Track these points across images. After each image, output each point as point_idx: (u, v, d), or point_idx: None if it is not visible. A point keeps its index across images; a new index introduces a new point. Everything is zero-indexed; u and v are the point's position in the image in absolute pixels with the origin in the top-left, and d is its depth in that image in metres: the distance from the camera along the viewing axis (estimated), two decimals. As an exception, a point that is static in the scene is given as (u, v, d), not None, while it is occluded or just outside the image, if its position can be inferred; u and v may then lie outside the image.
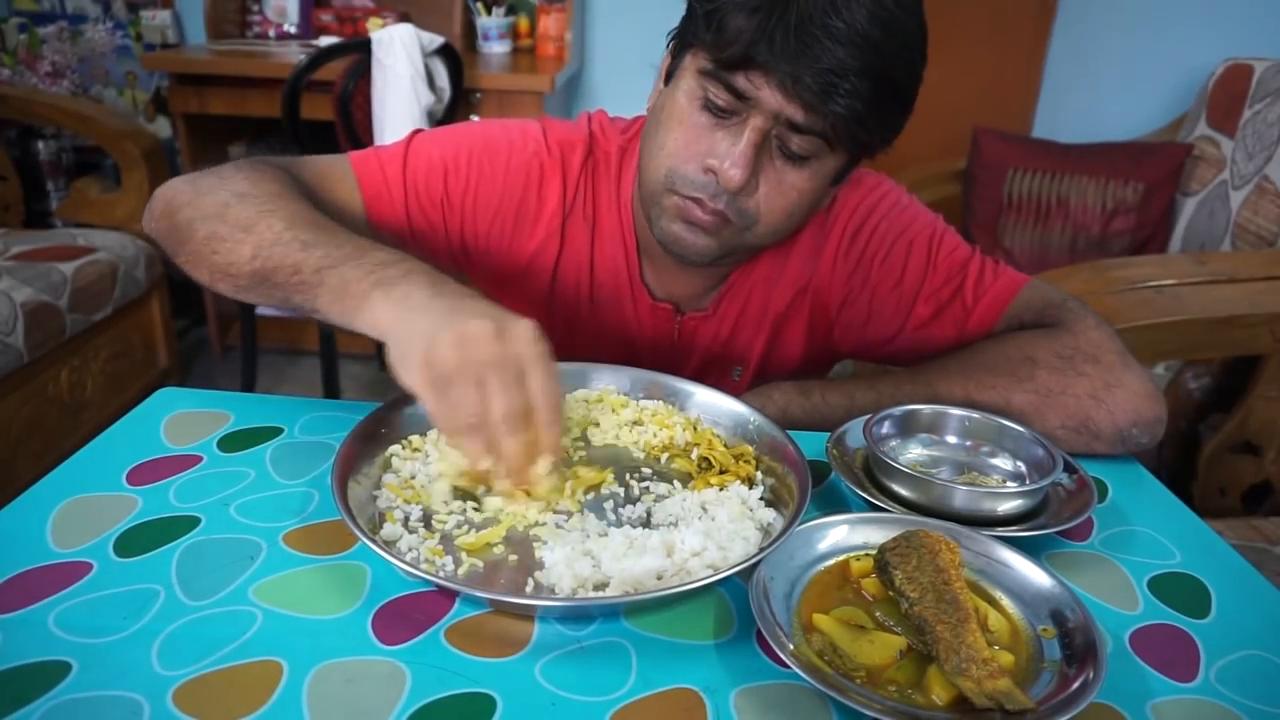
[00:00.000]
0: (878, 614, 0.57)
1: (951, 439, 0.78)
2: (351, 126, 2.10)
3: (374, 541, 0.58)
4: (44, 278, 1.90)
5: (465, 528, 0.64)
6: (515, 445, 0.59)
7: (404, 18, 2.52)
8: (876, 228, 0.93)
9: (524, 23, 2.76)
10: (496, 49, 2.68)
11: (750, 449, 0.74)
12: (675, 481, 0.71)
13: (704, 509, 0.66)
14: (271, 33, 2.73)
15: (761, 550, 0.59)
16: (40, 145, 2.57)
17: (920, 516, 0.66)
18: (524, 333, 0.60)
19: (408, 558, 0.60)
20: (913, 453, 0.78)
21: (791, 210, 0.81)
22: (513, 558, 0.62)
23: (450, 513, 0.65)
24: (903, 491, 0.70)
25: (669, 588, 0.56)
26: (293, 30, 2.72)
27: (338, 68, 2.07)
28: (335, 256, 0.68)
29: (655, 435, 0.76)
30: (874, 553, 0.60)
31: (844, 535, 0.63)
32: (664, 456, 0.75)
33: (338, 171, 0.88)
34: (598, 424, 0.78)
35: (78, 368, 2.04)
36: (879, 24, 0.70)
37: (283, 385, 2.66)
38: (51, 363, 1.94)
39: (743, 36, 0.71)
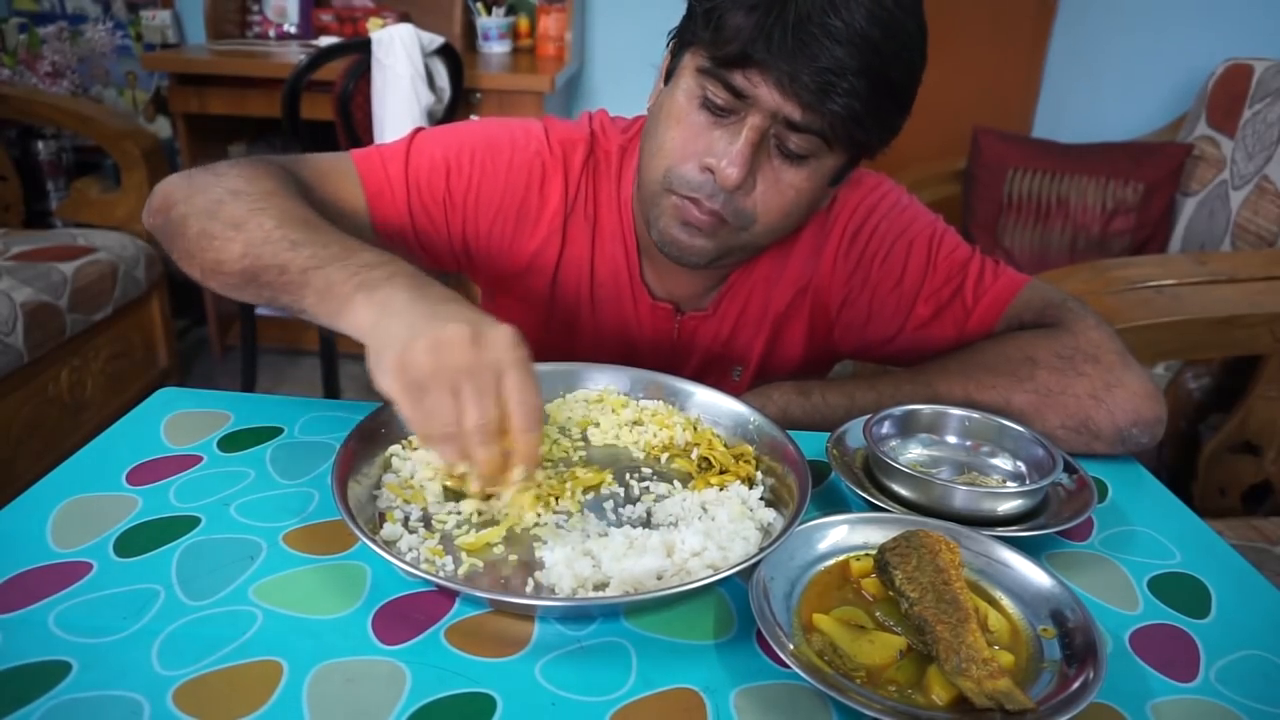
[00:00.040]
0: (878, 614, 0.57)
1: (951, 439, 0.78)
2: (351, 126, 2.10)
3: (374, 541, 0.58)
4: (44, 278, 1.90)
5: (465, 528, 0.64)
6: (487, 455, 0.58)
7: (404, 18, 2.52)
8: (877, 228, 0.93)
9: (524, 23, 2.75)
10: (496, 49, 2.68)
11: (750, 449, 0.74)
12: (675, 481, 0.71)
13: (704, 509, 0.66)
14: (271, 33, 2.73)
15: (761, 550, 0.59)
16: (40, 145, 2.57)
17: (920, 516, 0.66)
18: (501, 338, 0.59)
19: (408, 558, 0.60)
20: (913, 453, 0.78)
21: (789, 210, 0.81)
22: (513, 558, 0.62)
23: (450, 513, 0.65)
24: (903, 491, 0.70)
25: (669, 588, 0.56)
26: (293, 30, 2.72)
27: (338, 68, 2.07)
28: (322, 257, 0.67)
29: (655, 435, 0.76)
30: (874, 553, 0.60)
31: (844, 535, 0.63)
32: (664, 456, 0.75)
33: (340, 170, 0.88)
34: (598, 424, 0.78)
35: (78, 368, 2.04)
36: (878, 23, 0.70)
37: (283, 385, 2.66)
38: (51, 363, 1.94)
39: (741, 34, 0.71)
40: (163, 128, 2.93)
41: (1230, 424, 1.50)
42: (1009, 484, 0.74)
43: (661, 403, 0.81)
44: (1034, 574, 0.59)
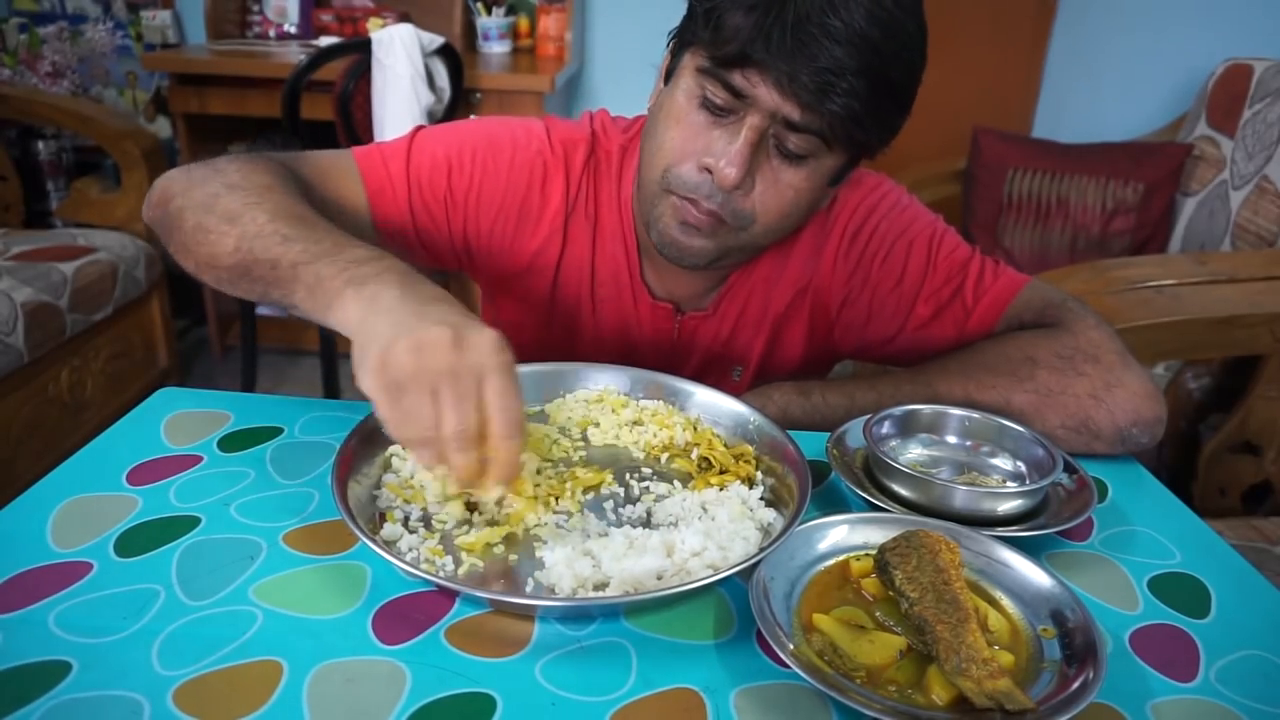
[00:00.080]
0: (878, 614, 0.57)
1: (951, 439, 0.78)
2: (351, 126, 2.10)
3: (374, 541, 0.58)
4: (44, 278, 1.90)
5: (465, 528, 0.64)
6: (464, 461, 0.57)
7: (404, 18, 2.52)
8: (877, 228, 0.93)
9: (524, 23, 2.75)
10: (496, 49, 2.68)
11: (750, 449, 0.74)
12: (675, 481, 0.71)
13: (704, 509, 0.66)
14: (271, 33, 2.73)
15: (761, 550, 0.59)
16: (40, 145, 2.57)
17: (920, 516, 0.66)
18: (484, 342, 0.57)
19: (408, 558, 0.60)
20: (913, 453, 0.78)
21: (788, 210, 0.81)
22: (513, 558, 0.62)
23: (450, 512, 0.65)
24: (903, 491, 0.70)
25: (669, 588, 0.56)
26: (293, 30, 2.72)
27: (338, 68, 2.07)
28: (313, 252, 0.67)
29: (655, 435, 0.76)
30: (874, 553, 0.60)
31: (844, 535, 0.63)
32: (664, 456, 0.75)
33: (341, 167, 0.88)
34: (598, 424, 0.78)
35: (78, 368, 2.04)
36: (877, 23, 0.70)
37: (283, 385, 2.66)
38: (52, 363, 1.94)
39: (740, 34, 0.71)
40: (163, 128, 2.93)
41: (1230, 424, 1.50)
42: (1009, 484, 0.74)
43: (661, 403, 0.81)
44: (1034, 574, 0.59)
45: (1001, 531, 0.65)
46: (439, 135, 0.91)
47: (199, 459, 0.72)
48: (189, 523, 0.64)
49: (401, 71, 2.09)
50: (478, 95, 2.41)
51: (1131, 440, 0.81)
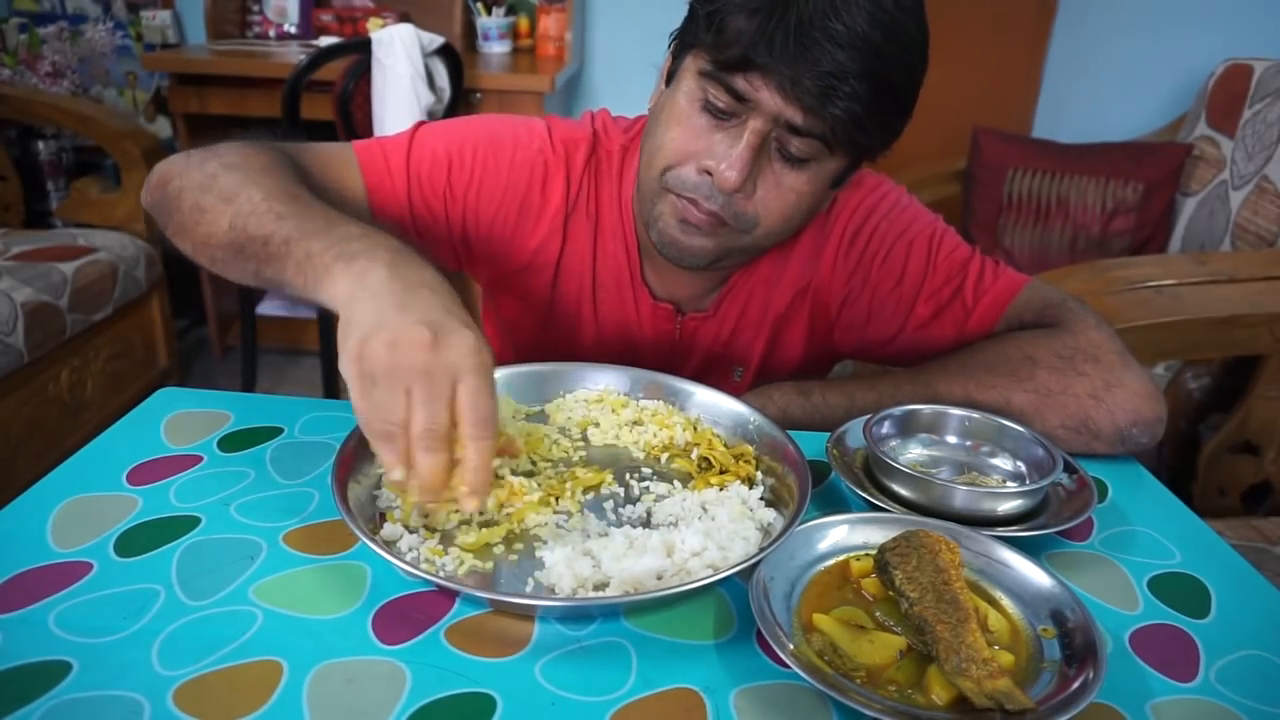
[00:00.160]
0: (878, 614, 0.57)
1: (951, 439, 0.78)
2: (351, 126, 2.10)
3: (374, 541, 0.58)
4: (44, 278, 1.90)
5: (465, 528, 0.64)
6: (430, 463, 0.56)
7: (404, 18, 2.52)
8: (876, 228, 0.93)
9: (524, 23, 2.75)
10: (496, 49, 2.68)
11: (750, 449, 0.74)
12: (675, 481, 0.71)
13: (704, 509, 0.66)
14: (271, 33, 2.73)
15: (761, 550, 0.59)
16: (40, 145, 2.57)
17: (920, 516, 0.66)
18: (462, 342, 0.57)
19: (408, 558, 0.60)
20: (913, 453, 0.78)
21: (790, 213, 0.81)
22: (512, 558, 0.62)
23: (450, 512, 0.65)
24: (903, 491, 0.70)
25: (669, 588, 0.56)
26: (293, 30, 2.72)
27: (338, 68, 2.07)
28: (304, 229, 0.67)
29: (655, 435, 0.76)
30: (874, 553, 0.60)
31: (844, 535, 0.63)
32: (664, 456, 0.75)
33: (341, 158, 0.88)
34: (598, 424, 0.78)
35: (78, 368, 2.04)
36: (879, 26, 0.70)
37: (283, 385, 2.66)
38: (51, 363, 1.94)
39: (743, 38, 0.71)
40: (163, 128, 2.93)
41: (1230, 424, 1.50)
42: (1009, 484, 0.74)
43: (661, 403, 0.81)
44: (1034, 574, 0.59)
45: (1001, 531, 0.65)
46: (441, 131, 0.92)
47: (199, 459, 0.72)
48: (189, 523, 0.64)
49: (401, 71, 2.09)
50: (478, 95, 2.41)
51: (1131, 440, 0.81)
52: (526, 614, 0.57)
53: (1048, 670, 0.53)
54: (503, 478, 0.66)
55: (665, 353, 0.98)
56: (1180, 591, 0.64)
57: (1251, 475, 1.51)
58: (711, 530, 0.63)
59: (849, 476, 0.72)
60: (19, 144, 2.57)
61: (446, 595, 0.58)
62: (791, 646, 0.51)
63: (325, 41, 2.55)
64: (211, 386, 2.02)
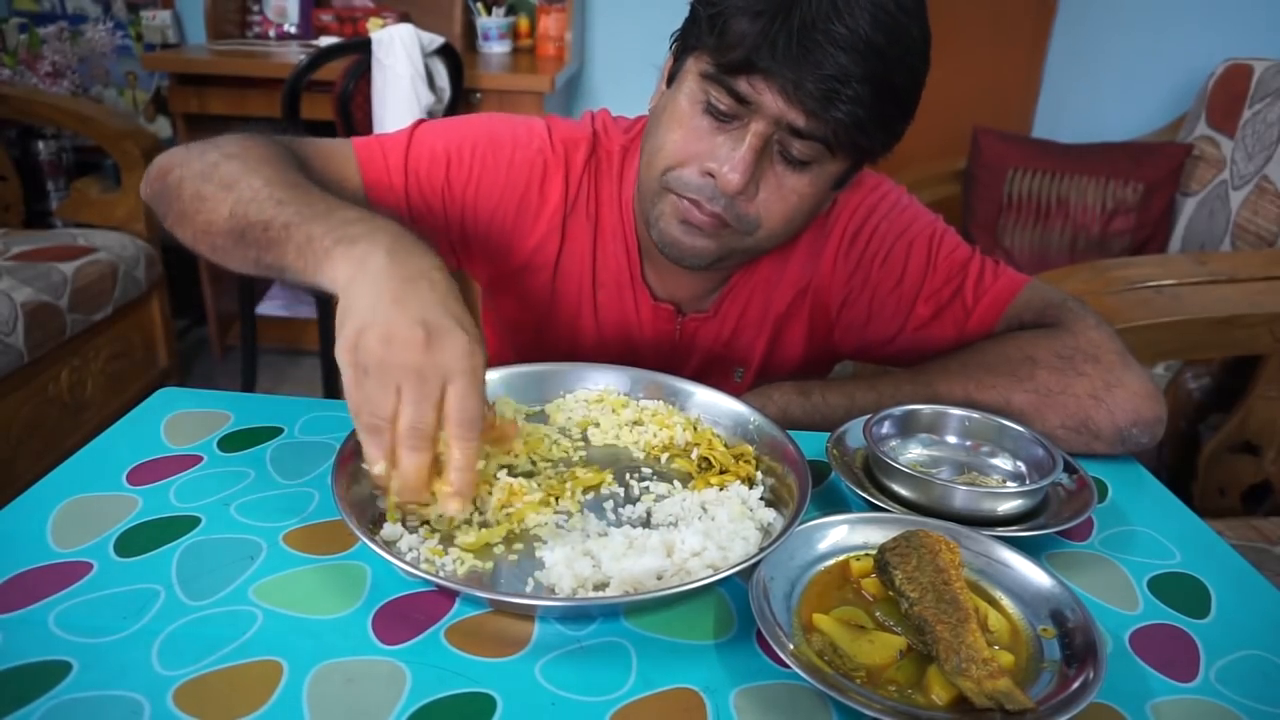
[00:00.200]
0: (878, 614, 0.57)
1: (951, 439, 0.78)
2: (351, 126, 2.10)
3: (374, 541, 0.58)
4: (44, 278, 1.90)
5: (465, 528, 0.64)
6: (413, 461, 0.57)
7: (404, 18, 2.52)
8: (876, 228, 0.93)
9: (524, 23, 2.75)
10: (496, 49, 2.68)
11: (750, 449, 0.74)
12: (675, 481, 0.71)
13: (704, 509, 0.66)
14: (271, 33, 2.73)
15: (761, 550, 0.59)
16: (40, 145, 2.57)
17: (920, 516, 0.66)
18: (456, 345, 0.57)
19: (408, 558, 0.60)
20: (913, 453, 0.78)
21: (792, 215, 0.81)
22: (512, 558, 0.62)
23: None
24: (903, 491, 0.70)
25: (669, 588, 0.56)
26: (293, 30, 2.72)
27: (338, 68, 2.07)
28: (305, 214, 0.67)
29: (655, 435, 0.76)
30: (874, 553, 0.60)
31: (844, 535, 0.63)
32: (664, 456, 0.75)
33: (341, 154, 0.89)
34: (598, 424, 0.78)
35: (78, 368, 2.04)
36: (882, 29, 0.70)
37: (283, 385, 2.66)
38: (52, 363, 1.94)
39: (745, 41, 0.71)
40: (163, 128, 2.93)
41: (1230, 424, 1.50)
42: (1009, 484, 0.74)
43: (661, 403, 0.81)
44: (1034, 574, 0.59)
45: (1001, 531, 0.65)
46: (440, 129, 0.92)
47: (199, 459, 0.72)
48: (189, 523, 0.64)
49: (401, 71, 2.09)
50: (478, 95, 2.41)
51: (1131, 440, 0.81)
52: (526, 614, 0.57)
53: (1048, 670, 0.53)
54: (497, 479, 0.67)
55: (665, 353, 0.98)
56: (1180, 591, 0.64)
57: (1251, 475, 1.51)
58: (711, 530, 0.63)
59: (849, 476, 0.72)
60: (19, 144, 2.57)
61: (446, 595, 0.58)
62: (791, 646, 0.51)
63: (325, 41, 2.55)
64: (211, 386, 2.02)
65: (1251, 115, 2.15)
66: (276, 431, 0.77)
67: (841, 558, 0.62)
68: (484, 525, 0.64)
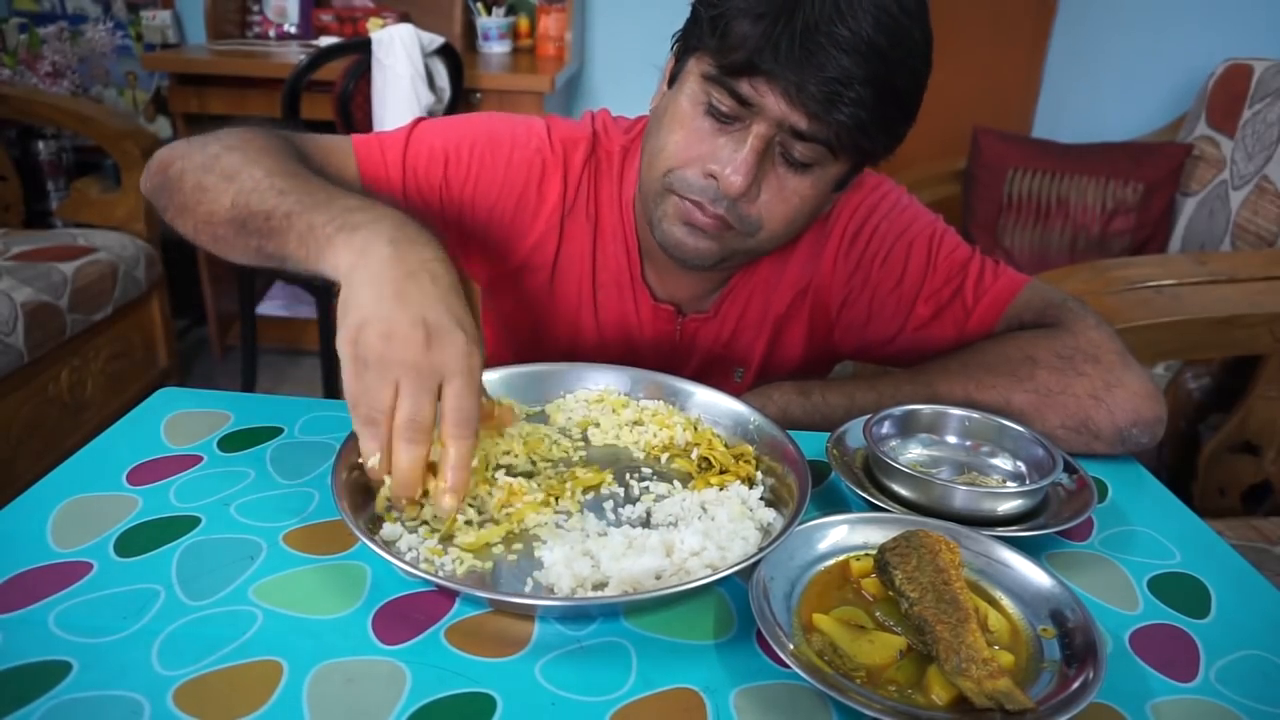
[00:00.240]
0: (878, 614, 0.57)
1: (951, 439, 0.78)
2: (351, 126, 2.10)
3: (374, 541, 0.58)
4: (44, 278, 1.90)
5: (465, 528, 0.64)
6: (408, 455, 0.57)
7: (404, 18, 2.52)
8: (877, 228, 0.93)
9: (524, 23, 2.76)
10: (496, 49, 2.68)
11: (750, 449, 0.74)
12: (675, 481, 0.71)
13: (704, 509, 0.66)
14: (271, 33, 2.73)
15: (761, 550, 0.59)
16: (40, 145, 2.57)
17: (920, 516, 0.65)
18: (454, 344, 0.58)
19: (408, 558, 0.60)
20: (913, 453, 0.78)
21: (793, 217, 0.81)
22: (512, 558, 0.62)
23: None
24: (903, 491, 0.70)
25: (669, 587, 0.56)
26: (293, 30, 2.72)
27: (338, 68, 2.07)
28: (306, 203, 0.68)
29: (655, 435, 0.76)
30: (874, 553, 0.60)
31: (844, 535, 0.63)
32: (664, 456, 0.75)
33: (340, 149, 0.89)
34: (598, 424, 0.78)
35: (78, 368, 2.04)
36: (884, 31, 0.70)
37: (283, 385, 2.66)
38: (52, 363, 1.94)
39: (748, 43, 0.71)
40: (163, 128, 2.93)
41: (1230, 424, 1.50)
42: (1009, 484, 0.74)
43: (662, 403, 0.81)
44: (1034, 574, 0.59)
45: (1001, 531, 0.65)
46: (439, 127, 0.92)
47: (199, 459, 0.72)
48: (189, 523, 0.64)
49: (401, 71, 2.09)
50: (478, 95, 2.41)
51: (1131, 440, 0.81)
52: (526, 614, 0.57)
53: (1048, 670, 0.53)
54: (497, 479, 0.67)
55: (665, 354, 0.98)
56: (1180, 591, 0.64)
57: (1251, 475, 1.51)
58: (711, 530, 0.63)
59: (849, 476, 0.72)
60: (19, 144, 2.57)
61: (446, 595, 0.58)
62: (791, 646, 0.51)
63: (325, 41, 2.55)
64: (211, 386, 2.02)
65: (1251, 115, 2.15)
66: (276, 431, 0.77)
67: (841, 558, 0.62)
68: (484, 525, 0.64)
